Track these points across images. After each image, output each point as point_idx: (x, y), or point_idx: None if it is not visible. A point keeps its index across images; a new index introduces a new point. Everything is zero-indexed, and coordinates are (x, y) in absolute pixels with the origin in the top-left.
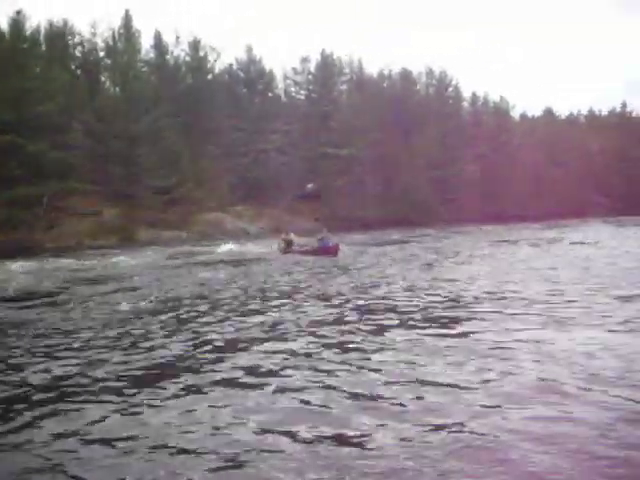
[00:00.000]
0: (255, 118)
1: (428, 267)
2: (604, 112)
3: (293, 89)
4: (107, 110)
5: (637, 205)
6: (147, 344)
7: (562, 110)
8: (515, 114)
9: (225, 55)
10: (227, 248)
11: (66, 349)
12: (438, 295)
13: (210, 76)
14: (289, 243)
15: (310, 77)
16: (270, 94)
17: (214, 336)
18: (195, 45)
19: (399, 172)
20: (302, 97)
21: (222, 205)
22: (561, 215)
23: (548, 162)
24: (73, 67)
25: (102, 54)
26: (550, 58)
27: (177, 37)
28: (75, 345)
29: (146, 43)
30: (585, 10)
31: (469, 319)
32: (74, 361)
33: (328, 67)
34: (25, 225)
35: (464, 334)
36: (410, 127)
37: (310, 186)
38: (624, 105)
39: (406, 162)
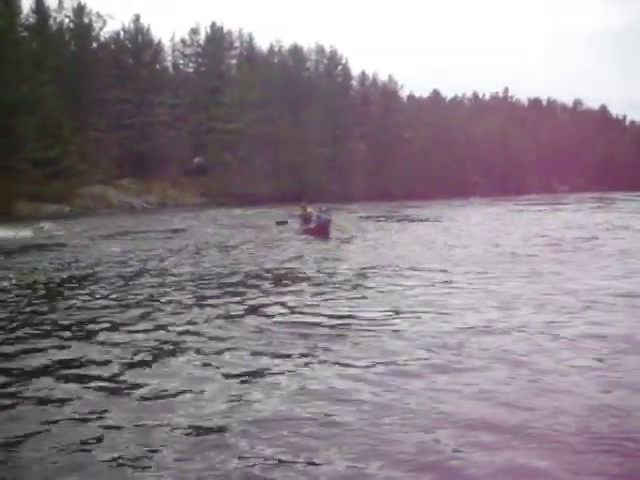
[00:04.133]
0: (142, 90)
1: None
2: (487, 96)
3: (182, 61)
4: None
5: (513, 186)
6: None
7: (448, 92)
8: (403, 94)
9: (112, 23)
10: None
11: None
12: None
13: (95, 44)
14: (306, 219)
15: (199, 50)
16: (158, 66)
17: None
18: (79, 11)
19: (288, 148)
20: (191, 70)
21: (107, 178)
22: (444, 194)
23: (434, 143)
24: None
25: None
26: (438, 39)
27: (60, 1)
28: None
29: (27, 6)
30: None
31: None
32: None
33: (218, 40)
34: None
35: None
36: (299, 104)
37: (197, 160)
38: (506, 90)
39: (295, 139)
